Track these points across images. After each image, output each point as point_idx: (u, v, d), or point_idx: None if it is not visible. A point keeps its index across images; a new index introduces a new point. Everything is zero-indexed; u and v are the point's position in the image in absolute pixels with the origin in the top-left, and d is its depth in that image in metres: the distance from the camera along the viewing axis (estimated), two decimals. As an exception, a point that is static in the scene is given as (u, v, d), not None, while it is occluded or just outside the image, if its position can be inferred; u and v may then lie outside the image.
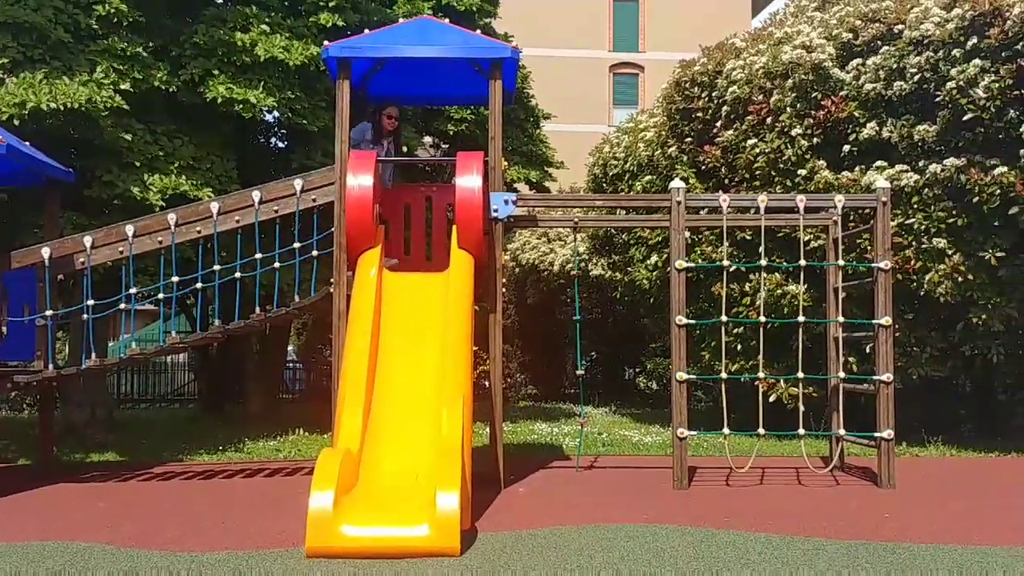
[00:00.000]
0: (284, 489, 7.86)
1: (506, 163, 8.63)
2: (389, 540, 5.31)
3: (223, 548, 5.51)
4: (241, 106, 10.63)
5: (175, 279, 8.38)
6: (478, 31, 9.90)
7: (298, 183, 8.35)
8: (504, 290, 8.46)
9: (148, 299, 10.76)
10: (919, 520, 6.44)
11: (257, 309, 8.53)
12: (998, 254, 9.68)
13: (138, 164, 10.32)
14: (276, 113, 11.68)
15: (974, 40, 9.73)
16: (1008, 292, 9.89)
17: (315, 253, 8.23)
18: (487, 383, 8.28)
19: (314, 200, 8.33)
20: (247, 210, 8.38)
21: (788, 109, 10.98)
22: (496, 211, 8.00)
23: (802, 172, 10.78)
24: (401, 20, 9.89)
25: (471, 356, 7.27)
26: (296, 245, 8.18)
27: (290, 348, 22.15)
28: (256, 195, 8.37)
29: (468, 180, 7.76)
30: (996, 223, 9.71)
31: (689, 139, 12.40)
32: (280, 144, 13.85)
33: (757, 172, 11.16)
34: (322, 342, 21.27)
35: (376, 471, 6.15)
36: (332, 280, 8.03)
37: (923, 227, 9.98)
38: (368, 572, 4.91)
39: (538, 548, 5.47)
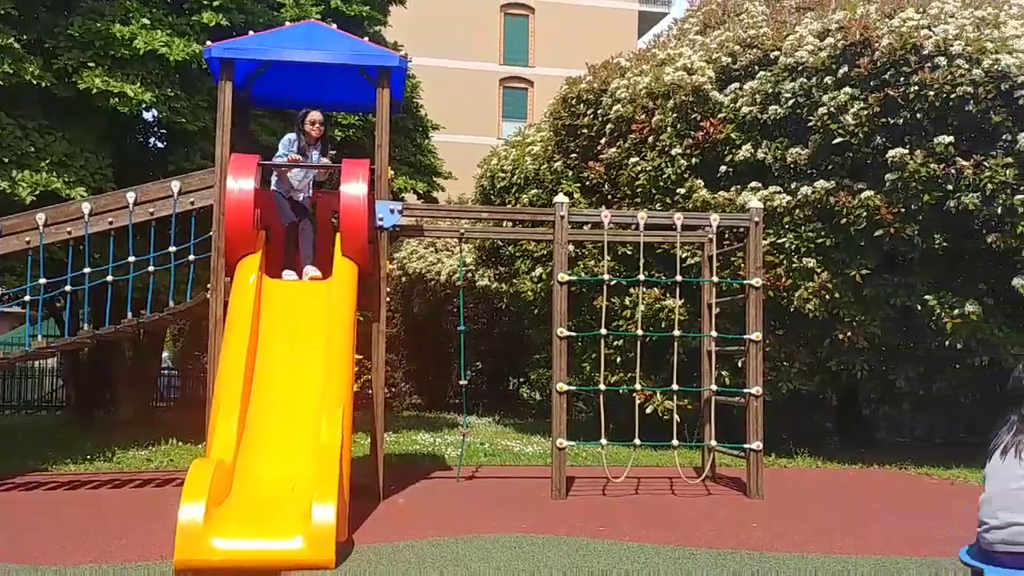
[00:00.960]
0: (154, 500, 7.62)
1: (393, 172, 8.59)
2: (261, 553, 5.21)
3: (88, 561, 5.33)
4: (117, 99, 10.26)
5: (43, 281, 8.04)
6: (367, 38, 9.86)
7: (175, 185, 8.13)
8: (389, 299, 8.40)
9: (15, 301, 10.29)
10: (785, 529, 6.69)
11: (129, 314, 8.26)
12: (863, 272, 10.15)
13: (7, 160, 9.85)
14: (155, 111, 11.32)
15: (845, 68, 10.21)
16: (872, 311, 10.37)
17: (192, 257, 8.02)
18: (370, 392, 8.22)
19: (192, 203, 8.13)
20: (121, 211, 8.11)
21: (669, 129, 11.29)
22: (382, 220, 7.97)
23: (681, 191, 11.10)
24: (288, 23, 9.76)
25: (353, 365, 7.21)
26: (172, 249, 7.96)
27: (165, 354, 21.48)
28: (131, 196, 8.11)
29: (353, 188, 7.70)
30: (862, 244, 10.17)
31: (574, 155, 12.61)
32: (159, 144, 13.45)
33: (639, 189, 11.43)
34: (199, 348, 20.68)
35: (251, 482, 6.02)
36: (209, 285, 7.84)
37: (794, 246, 10.39)
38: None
39: (415, 559, 5.47)
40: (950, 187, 9.66)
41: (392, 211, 8.01)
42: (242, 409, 6.48)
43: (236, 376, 6.66)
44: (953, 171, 9.61)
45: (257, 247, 7.65)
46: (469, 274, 16.19)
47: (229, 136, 7.85)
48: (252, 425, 6.48)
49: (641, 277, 8.46)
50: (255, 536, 5.31)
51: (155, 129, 13.29)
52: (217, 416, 6.45)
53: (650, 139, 11.46)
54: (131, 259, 7.98)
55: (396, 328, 19.09)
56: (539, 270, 12.85)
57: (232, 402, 6.49)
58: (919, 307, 10.09)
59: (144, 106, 10.78)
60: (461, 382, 9.18)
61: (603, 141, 12.11)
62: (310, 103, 8.87)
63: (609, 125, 12.01)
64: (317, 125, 8.21)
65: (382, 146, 8.05)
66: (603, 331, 8.41)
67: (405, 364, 20.08)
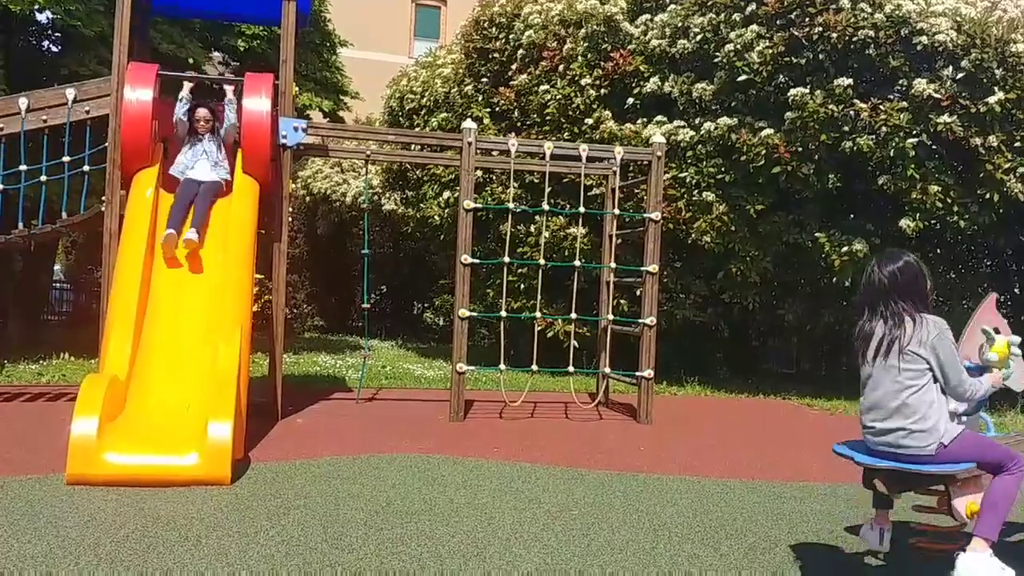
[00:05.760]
0: (46, 415, 7.49)
1: (297, 88, 8.41)
2: (156, 468, 5.20)
3: (-27, 475, 5.24)
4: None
5: (-73, 188, 7.69)
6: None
7: (71, 93, 7.81)
8: (292, 219, 8.29)
9: None
10: (670, 453, 6.98)
11: (20, 224, 7.97)
12: (758, 207, 10.42)
13: None
14: (49, 13, 10.79)
15: (753, 6, 10.34)
16: (765, 246, 10.69)
17: (87, 168, 7.76)
18: (270, 313, 8.16)
19: (88, 112, 7.82)
20: (12, 118, 7.76)
21: (579, 58, 11.32)
22: (285, 138, 7.83)
23: (589, 121, 11.17)
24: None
25: (251, 284, 7.14)
26: (66, 159, 7.69)
27: (57, 267, 20.82)
28: (23, 102, 7.76)
29: (256, 103, 7.53)
30: (760, 181, 10.42)
31: (485, 79, 12.54)
32: (53, 48, 12.86)
33: (548, 117, 11.46)
34: (92, 262, 20.09)
35: (145, 399, 5.97)
36: (104, 198, 7.62)
37: (695, 181, 10.60)
38: (130, 499, 4.80)
39: (311, 477, 5.54)
40: (847, 128, 9.94)
41: (296, 129, 7.87)
42: (137, 326, 6.39)
43: (131, 292, 6.54)
44: (851, 113, 9.89)
45: (155, 160, 7.46)
46: (375, 197, 16.05)
47: (127, 44, 7.56)
48: (147, 343, 6.40)
49: (546, 206, 8.55)
50: (149, 452, 5.29)
51: (49, 32, 12.69)
52: (111, 333, 6.34)
53: (561, 67, 11.46)
54: (23, 167, 7.68)
55: (299, 249, 18.87)
56: (446, 195, 12.83)
57: (126, 319, 6.38)
58: (810, 244, 10.43)
59: (37, 7, 10.25)
60: (363, 306, 9.18)
61: (514, 67, 12.06)
62: (214, 13, 8.61)
63: (521, 51, 11.96)
64: (203, 122, 7.67)
65: (287, 61, 7.88)
66: (506, 259, 8.50)
67: (308, 285, 19.90)
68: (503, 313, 8.54)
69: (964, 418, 3.94)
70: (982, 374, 3.92)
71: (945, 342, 3.59)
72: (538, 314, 8.62)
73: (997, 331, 4.05)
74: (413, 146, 12.23)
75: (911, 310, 3.65)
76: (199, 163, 7.53)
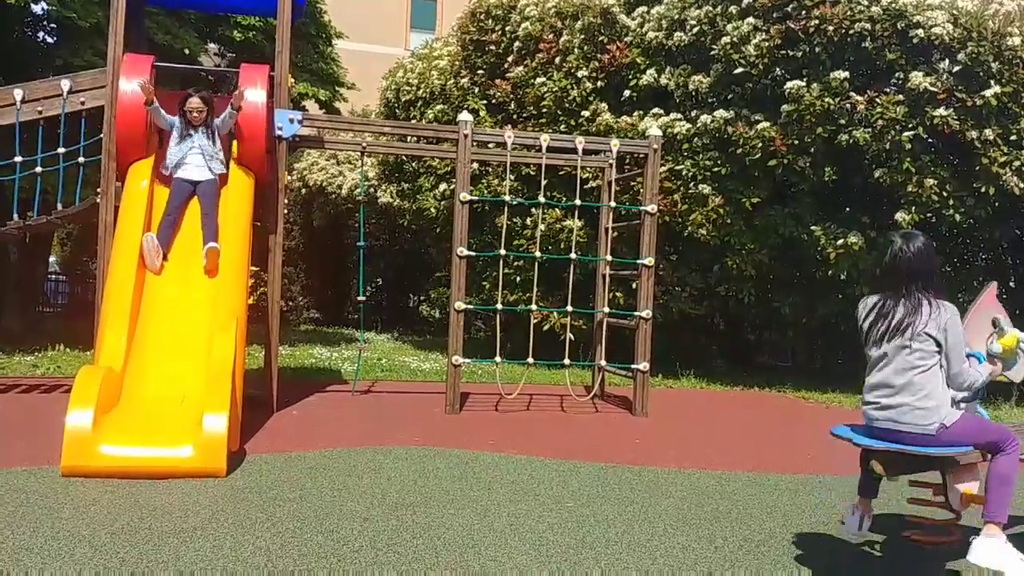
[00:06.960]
0: (41, 407, 7.48)
1: (293, 80, 8.39)
2: (151, 460, 5.20)
3: (-32, 467, 5.23)
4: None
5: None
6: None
7: (66, 84, 7.78)
8: (288, 211, 8.27)
9: None
10: (666, 446, 6.99)
11: (15, 216, 7.96)
12: (754, 200, 10.43)
13: None
14: (44, 4, 10.75)
15: (749, -1, 10.34)
16: (761, 239, 10.70)
17: (82, 160, 7.74)
18: (266, 305, 8.14)
19: (83, 103, 7.79)
20: (7, 109, 7.73)
21: (576, 51, 11.30)
22: (280, 129, 7.81)
23: (585, 113, 11.16)
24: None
25: (247, 276, 7.13)
26: (61, 150, 7.67)
27: (52, 259, 20.79)
28: (18, 93, 7.72)
29: (252, 94, 7.50)
30: (756, 174, 10.41)
31: (481, 71, 12.52)
32: (49, 39, 12.82)
33: (544, 109, 11.45)
34: (88, 253, 20.08)
35: (140, 391, 5.96)
36: (99, 190, 7.60)
37: (691, 173, 10.60)
38: (125, 491, 4.80)
39: (307, 469, 5.54)
40: (843, 121, 9.94)
41: (292, 121, 7.86)
42: (132, 318, 6.38)
43: (126, 284, 6.53)
44: (847, 106, 9.89)
45: (150, 151, 7.44)
46: (371, 189, 16.02)
47: (122, 35, 7.53)
48: (142, 335, 6.39)
49: (542, 199, 8.54)
50: (144, 443, 5.28)
51: (44, 23, 12.65)
52: (106, 324, 6.33)
53: (557, 60, 11.45)
54: (17, 159, 7.66)
55: (295, 241, 18.85)
56: (443, 187, 12.82)
57: (122, 311, 6.37)
58: (805, 237, 10.43)
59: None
60: (359, 298, 9.18)
61: (510, 59, 12.04)
62: (210, 4, 8.55)
63: (517, 43, 11.94)
64: (195, 112, 7.32)
65: (283, 52, 7.85)
66: (503, 251, 8.49)
67: (304, 278, 19.90)
68: (499, 306, 8.55)
69: (962, 406, 3.97)
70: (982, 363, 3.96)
71: (956, 328, 3.66)
72: (534, 307, 8.63)
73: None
74: (409, 138, 12.19)
75: (929, 294, 3.71)
76: (191, 158, 7.31)
